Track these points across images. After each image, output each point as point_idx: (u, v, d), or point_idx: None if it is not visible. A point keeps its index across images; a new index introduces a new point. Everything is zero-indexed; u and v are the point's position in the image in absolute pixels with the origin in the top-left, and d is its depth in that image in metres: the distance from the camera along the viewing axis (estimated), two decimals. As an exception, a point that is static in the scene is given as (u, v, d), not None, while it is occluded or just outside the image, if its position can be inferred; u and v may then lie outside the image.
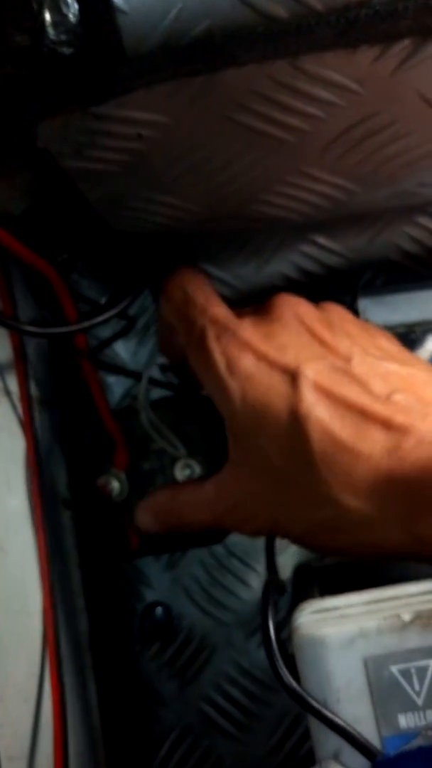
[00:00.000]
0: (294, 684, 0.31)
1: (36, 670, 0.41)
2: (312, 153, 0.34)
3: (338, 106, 0.31)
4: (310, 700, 0.30)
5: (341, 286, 0.49)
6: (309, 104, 0.31)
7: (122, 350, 0.52)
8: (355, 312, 0.45)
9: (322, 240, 0.48)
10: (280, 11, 0.26)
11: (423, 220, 0.47)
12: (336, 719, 0.30)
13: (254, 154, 0.34)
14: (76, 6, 0.27)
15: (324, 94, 0.30)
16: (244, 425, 0.36)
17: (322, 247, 0.48)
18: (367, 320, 0.45)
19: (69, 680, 0.42)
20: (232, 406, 0.36)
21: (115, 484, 0.45)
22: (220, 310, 0.39)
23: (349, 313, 0.42)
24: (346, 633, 0.31)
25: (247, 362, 0.36)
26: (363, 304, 0.45)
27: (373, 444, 0.33)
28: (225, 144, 0.33)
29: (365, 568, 0.46)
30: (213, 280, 0.50)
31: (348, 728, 0.29)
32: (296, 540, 0.37)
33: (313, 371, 0.35)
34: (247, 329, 0.37)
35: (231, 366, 0.36)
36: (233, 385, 0.36)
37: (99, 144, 0.33)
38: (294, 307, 0.39)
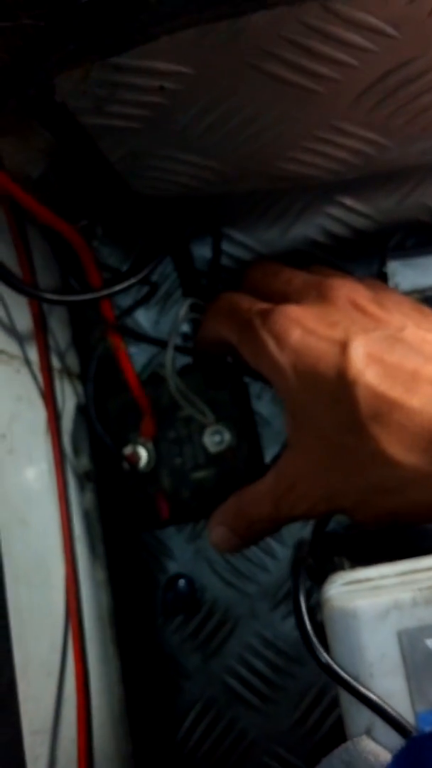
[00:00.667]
0: (327, 658, 0.30)
1: (58, 643, 0.40)
2: (343, 105, 0.33)
3: (372, 52, 0.29)
4: (343, 674, 0.29)
5: (369, 249, 0.47)
6: (341, 50, 0.29)
7: (144, 319, 0.51)
8: (384, 275, 0.44)
9: (349, 201, 0.47)
10: None
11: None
12: (370, 694, 0.29)
13: (282, 106, 0.33)
14: None
15: (357, 38, 0.28)
16: (297, 399, 0.36)
17: (349, 208, 0.47)
18: (396, 283, 0.43)
19: (92, 653, 0.42)
20: (286, 381, 0.36)
21: (143, 453, 0.45)
22: (266, 304, 0.39)
23: (404, 296, 0.42)
24: (380, 605, 0.29)
25: (295, 336, 0.36)
26: (392, 266, 0.44)
27: (426, 398, 0.33)
28: (251, 96, 0.32)
29: (393, 538, 0.45)
30: (236, 244, 0.49)
31: (382, 704, 0.28)
32: (350, 511, 0.37)
33: (362, 340, 0.35)
34: (295, 309, 0.37)
35: (280, 342, 0.36)
36: (284, 359, 0.36)
37: (119, 98, 0.31)
38: (348, 290, 0.39)
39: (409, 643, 0.29)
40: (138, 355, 0.51)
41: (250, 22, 0.27)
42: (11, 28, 0.28)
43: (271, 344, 0.36)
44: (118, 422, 0.46)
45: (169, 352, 0.43)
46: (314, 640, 0.30)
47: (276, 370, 0.36)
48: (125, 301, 0.50)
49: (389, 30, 0.28)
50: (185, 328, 0.49)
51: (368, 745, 0.28)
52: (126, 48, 0.28)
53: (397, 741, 0.28)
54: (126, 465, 0.45)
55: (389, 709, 0.29)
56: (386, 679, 0.29)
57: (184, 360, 0.48)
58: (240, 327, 0.39)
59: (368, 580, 0.31)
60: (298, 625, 0.31)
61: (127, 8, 0.27)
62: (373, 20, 0.28)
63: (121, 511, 0.47)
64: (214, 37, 0.28)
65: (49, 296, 0.43)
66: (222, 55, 0.29)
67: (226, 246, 0.49)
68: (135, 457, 0.44)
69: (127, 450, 0.45)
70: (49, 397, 0.44)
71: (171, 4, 0.27)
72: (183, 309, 0.45)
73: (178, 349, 0.47)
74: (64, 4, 0.28)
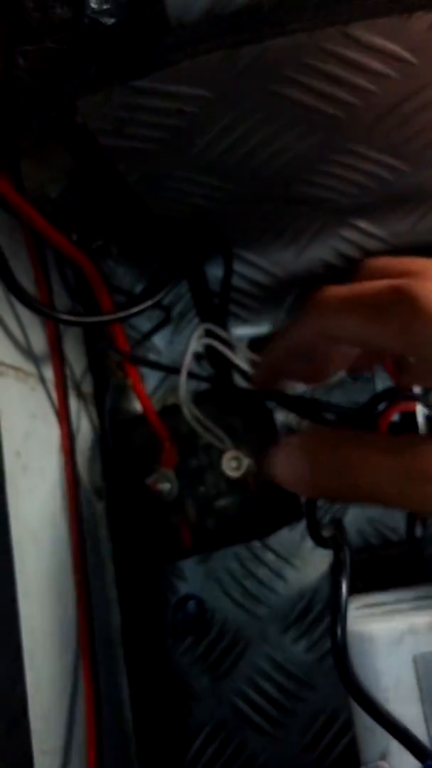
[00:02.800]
0: (355, 679, 0.29)
1: (70, 663, 0.40)
2: (360, 129, 0.33)
3: (390, 78, 0.29)
4: (370, 696, 0.29)
5: (384, 272, 0.47)
6: (359, 76, 0.29)
7: (158, 339, 0.52)
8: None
9: (363, 225, 0.47)
10: (333, -26, 0.25)
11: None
12: (393, 718, 0.28)
13: (299, 130, 0.33)
14: (118, -27, 0.26)
15: (375, 64, 0.29)
16: None
17: (363, 232, 0.47)
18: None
19: (101, 673, 0.41)
20: None
21: (166, 484, 0.44)
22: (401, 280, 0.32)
23: None
24: (396, 630, 0.29)
25: None
26: (407, 290, 0.44)
27: None
28: (269, 120, 0.32)
29: (402, 563, 0.44)
30: (251, 266, 0.49)
31: (405, 727, 0.28)
32: None
33: None
34: None
35: None
36: None
37: (139, 120, 0.31)
38: None
39: (424, 667, 0.29)
40: (151, 376, 0.51)
41: (270, 48, 0.28)
42: (35, 51, 0.29)
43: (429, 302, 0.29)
44: (141, 454, 0.46)
45: (183, 380, 0.43)
46: (348, 660, 0.29)
47: None
48: (141, 322, 0.51)
49: (407, 56, 0.29)
50: (199, 349, 0.49)
51: (383, 771, 0.28)
52: (147, 72, 0.29)
53: (411, 767, 0.28)
54: (150, 496, 0.45)
55: (411, 734, 0.28)
56: (402, 705, 0.29)
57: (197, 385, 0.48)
58: (377, 307, 0.31)
59: (384, 604, 0.31)
60: (332, 637, 0.30)
61: (150, 33, 0.28)
62: (391, 46, 0.28)
63: (142, 543, 0.46)
64: (235, 62, 0.28)
65: (65, 317, 0.43)
66: (242, 79, 0.29)
67: (240, 267, 0.49)
68: (158, 487, 0.44)
69: (150, 480, 0.44)
70: (63, 415, 0.44)
71: (193, 29, 0.27)
72: (196, 335, 0.45)
73: (191, 375, 0.46)
74: (87, 28, 0.28)
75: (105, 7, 0.27)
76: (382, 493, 0.29)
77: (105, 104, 0.30)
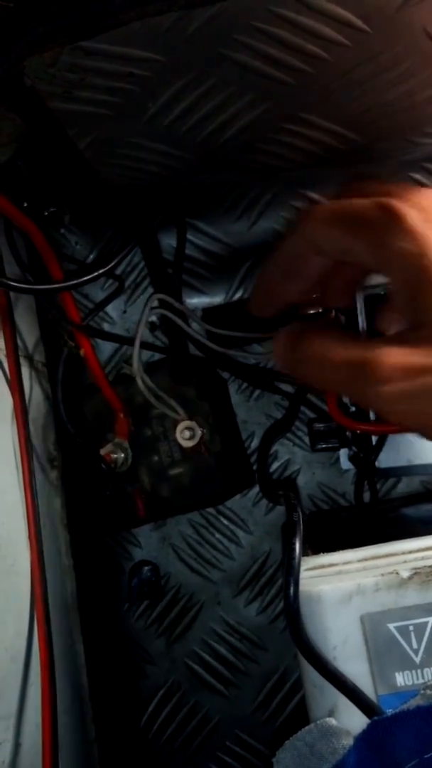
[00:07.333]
0: (306, 637, 0.30)
1: (24, 629, 0.40)
2: (312, 97, 0.33)
3: (342, 45, 0.29)
4: (319, 654, 0.29)
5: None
6: (311, 42, 0.29)
7: (111, 309, 0.51)
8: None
9: (314, 195, 0.47)
10: None
11: (418, 176, 0.46)
12: (341, 675, 0.29)
13: (251, 97, 0.33)
14: None
15: (327, 30, 0.29)
16: None
17: (314, 201, 0.47)
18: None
19: (56, 639, 0.42)
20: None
21: (120, 454, 0.45)
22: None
23: None
24: (344, 590, 0.30)
25: None
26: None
27: None
28: (221, 86, 0.32)
29: (351, 525, 0.45)
30: (204, 236, 0.49)
31: (353, 685, 0.29)
32: None
33: None
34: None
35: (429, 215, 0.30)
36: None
37: (89, 83, 0.31)
38: None
39: (371, 627, 0.30)
40: (105, 345, 0.51)
41: (222, 10, 0.27)
42: (-20, 9, 0.28)
43: (414, 216, 0.30)
44: (95, 424, 0.46)
45: (136, 350, 0.43)
46: (299, 618, 0.30)
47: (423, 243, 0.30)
48: (94, 291, 0.50)
49: (359, 23, 0.28)
50: (155, 318, 0.49)
51: (331, 727, 0.29)
52: (97, 32, 0.28)
53: (359, 723, 0.29)
54: (104, 466, 0.45)
55: (360, 691, 0.29)
56: (349, 663, 0.30)
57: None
58: (361, 220, 0.31)
59: (332, 565, 0.31)
60: (285, 597, 0.31)
61: (99, -7, 0.27)
62: (343, 12, 0.28)
63: (97, 512, 0.46)
64: (186, 25, 0.28)
65: (13, 284, 0.42)
66: (193, 42, 0.29)
67: (193, 237, 0.49)
68: (112, 457, 0.44)
69: (104, 450, 0.45)
70: (15, 384, 0.43)
71: (144, -11, 0.26)
72: (150, 305, 0.44)
73: (144, 345, 0.46)
74: (34, -14, 0.27)
75: (52, -36, 0.26)
76: (339, 385, 0.33)
77: (53, 65, 0.29)
